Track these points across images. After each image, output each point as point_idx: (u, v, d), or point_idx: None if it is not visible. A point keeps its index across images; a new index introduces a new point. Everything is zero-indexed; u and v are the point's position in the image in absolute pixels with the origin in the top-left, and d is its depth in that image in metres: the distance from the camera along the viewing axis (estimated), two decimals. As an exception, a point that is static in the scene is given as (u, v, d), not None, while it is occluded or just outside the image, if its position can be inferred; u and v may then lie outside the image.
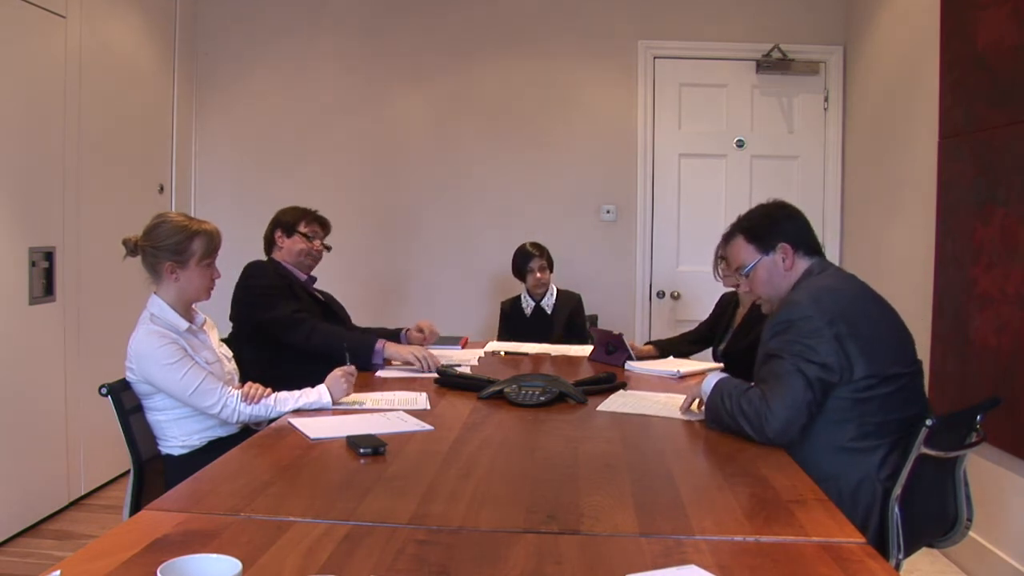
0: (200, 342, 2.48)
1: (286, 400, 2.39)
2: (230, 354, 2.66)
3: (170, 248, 2.39)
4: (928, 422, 1.93)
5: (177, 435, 2.39)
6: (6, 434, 3.40)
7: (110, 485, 4.12)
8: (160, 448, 2.41)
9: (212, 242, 2.46)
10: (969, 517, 2.21)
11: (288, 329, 3.00)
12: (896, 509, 1.97)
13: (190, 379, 2.31)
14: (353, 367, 2.53)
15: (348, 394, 2.46)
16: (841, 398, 2.07)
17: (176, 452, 2.40)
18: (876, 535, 2.02)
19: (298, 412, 2.36)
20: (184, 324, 2.43)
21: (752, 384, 2.20)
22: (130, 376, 2.36)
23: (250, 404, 2.36)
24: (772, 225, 2.32)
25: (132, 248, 2.43)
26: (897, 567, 1.98)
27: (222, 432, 2.43)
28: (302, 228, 3.28)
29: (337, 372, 2.47)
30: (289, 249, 3.27)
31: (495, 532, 1.48)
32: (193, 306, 2.54)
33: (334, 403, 2.41)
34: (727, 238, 2.43)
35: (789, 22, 4.88)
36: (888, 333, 2.17)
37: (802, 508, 1.62)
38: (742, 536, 1.47)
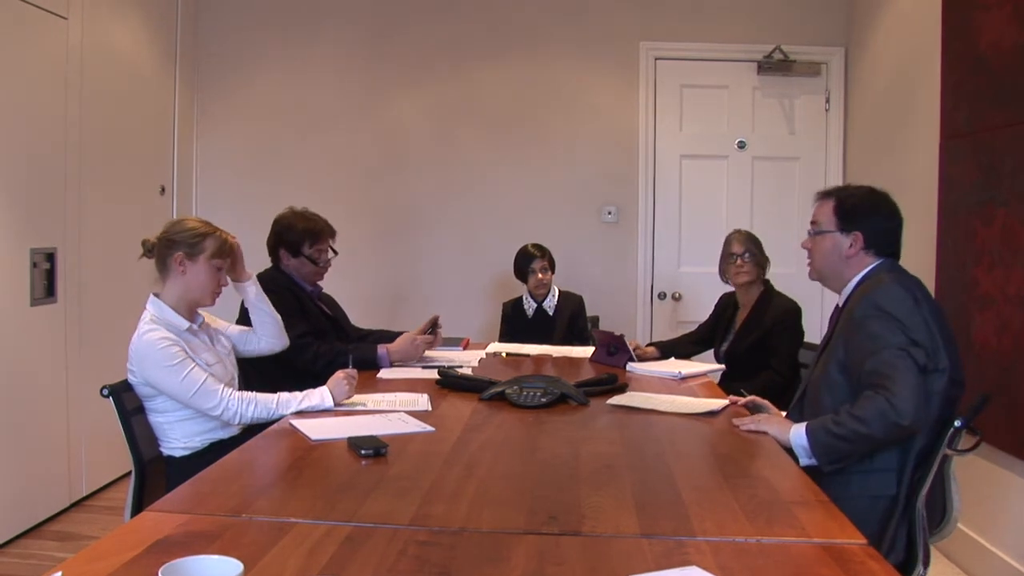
0: (201, 342, 2.48)
1: (288, 402, 2.39)
2: (229, 346, 2.64)
3: (184, 241, 2.42)
4: (957, 423, 1.95)
5: (179, 437, 2.39)
6: (7, 435, 3.40)
7: (111, 486, 4.12)
8: (162, 449, 2.41)
9: (225, 246, 2.48)
10: (957, 508, 2.22)
11: (293, 353, 2.98)
12: (923, 509, 1.99)
13: (191, 381, 2.31)
14: (355, 370, 2.54)
15: (350, 396, 2.47)
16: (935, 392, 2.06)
17: (178, 454, 2.39)
18: (898, 532, 2.04)
19: (299, 413, 2.36)
20: (184, 324, 2.42)
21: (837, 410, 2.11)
22: (131, 378, 2.36)
23: (252, 407, 2.36)
24: (862, 210, 2.28)
25: (150, 248, 2.45)
26: (926, 563, 1.99)
27: (223, 435, 2.43)
28: (306, 250, 3.21)
29: (339, 375, 2.47)
30: (296, 268, 3.24)
31: (496, 533, 1.48)
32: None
33: (336, 405, 2.41)
34: (822, 195, 2.38)
35: (790, 23, 4.88)
36: (952, 338, 2.16)
37: (803, 509, 1.62)
38: (743, 537, 1.47)
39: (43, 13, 3.60)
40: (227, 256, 2.49)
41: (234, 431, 2.45)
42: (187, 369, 2.31)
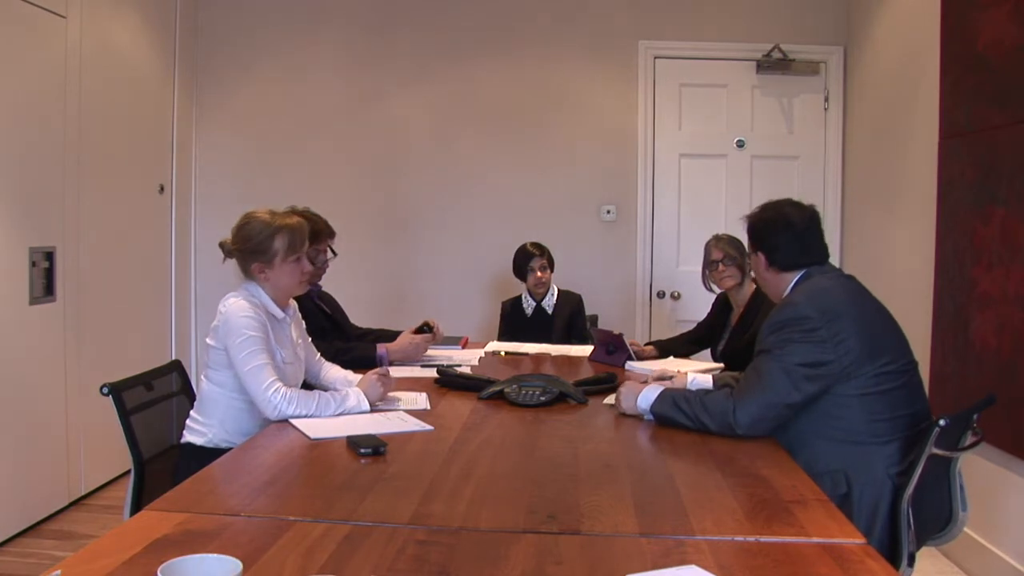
0: (284, 336, 2.48)
1: (328, 404, 2.33)
2: (303, 356, 2.62)
3: (253, 249, 2.40)
4: (941, 422, 1.94)
5: (216, 420, 2.37)
6: (6, 434, 3.40)
7: (110, 485, 4.12)
8: (185, 434, 2.40)
9: (295, 236, 2.44)
10: (963, 509, 2.21)
11: None
12: (908, 509, 1.98)
13: (254, 356, 2.28)
14: (387, 369, 2.53)
15: (383, 397, 2.44)
16: (845, 395, 2.08)
17: (198, 441, 2.37)
18: (884, 533, 2.02)
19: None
20: (280, 313, 2.46)
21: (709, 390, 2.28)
22: (210, 341, 2.38)
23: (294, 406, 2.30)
24: (760, 230, 2.36)
25: (228, 251, 2.46)
26: (911, 563, 1.98)
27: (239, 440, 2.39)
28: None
29: (372, 375, 2.44)
30: None
31: (495, 532, 1.48)
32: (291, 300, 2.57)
33: (371, 406, 2.38)
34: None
35: (789, 22, 4.88)
36: (886, 329, 2.20)
37: (802, 508, 1.62)
38: (742, 536, 1.47)
39: (42, 12, 3.59)
40: (301, 245, 2.46)
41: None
42: (258, 345, 2.30)
